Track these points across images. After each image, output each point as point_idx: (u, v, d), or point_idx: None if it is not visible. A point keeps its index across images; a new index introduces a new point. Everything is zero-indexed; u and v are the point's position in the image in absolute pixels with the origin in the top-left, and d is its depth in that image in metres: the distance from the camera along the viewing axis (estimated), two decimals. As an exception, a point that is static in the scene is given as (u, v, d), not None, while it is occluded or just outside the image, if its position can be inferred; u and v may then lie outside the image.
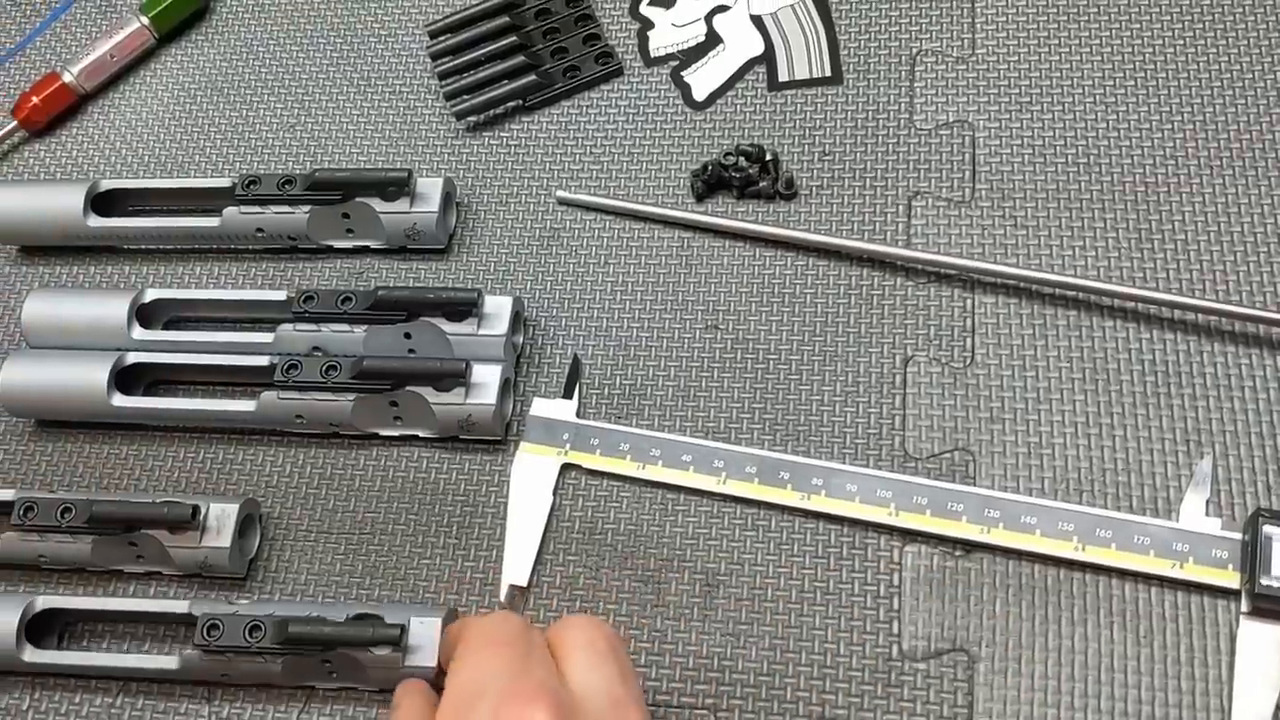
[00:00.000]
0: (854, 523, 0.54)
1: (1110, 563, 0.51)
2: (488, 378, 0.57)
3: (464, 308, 0.58)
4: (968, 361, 0.57)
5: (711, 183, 0.64)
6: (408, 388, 0.57)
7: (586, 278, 0.63)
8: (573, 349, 0.61)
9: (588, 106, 0.68)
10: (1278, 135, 0.61)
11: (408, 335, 0.59)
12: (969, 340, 0.58)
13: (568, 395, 0.59)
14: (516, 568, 0.54)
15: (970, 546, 0.53)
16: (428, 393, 0.57)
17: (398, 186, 0.62)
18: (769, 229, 0.62)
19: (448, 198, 0.64)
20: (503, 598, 0.54)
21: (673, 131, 0.67)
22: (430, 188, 0.63)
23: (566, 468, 0.57)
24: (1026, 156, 0.63)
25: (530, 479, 0.56)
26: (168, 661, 0.53)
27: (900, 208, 0.62)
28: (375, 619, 0.50)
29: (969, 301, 0.59)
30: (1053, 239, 0.60)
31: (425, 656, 0.50)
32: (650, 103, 0.68)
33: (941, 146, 0.64)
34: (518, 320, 0.60)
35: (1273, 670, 0.48)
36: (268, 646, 0.51)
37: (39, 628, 0.55)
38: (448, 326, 0.58)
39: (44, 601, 0.54)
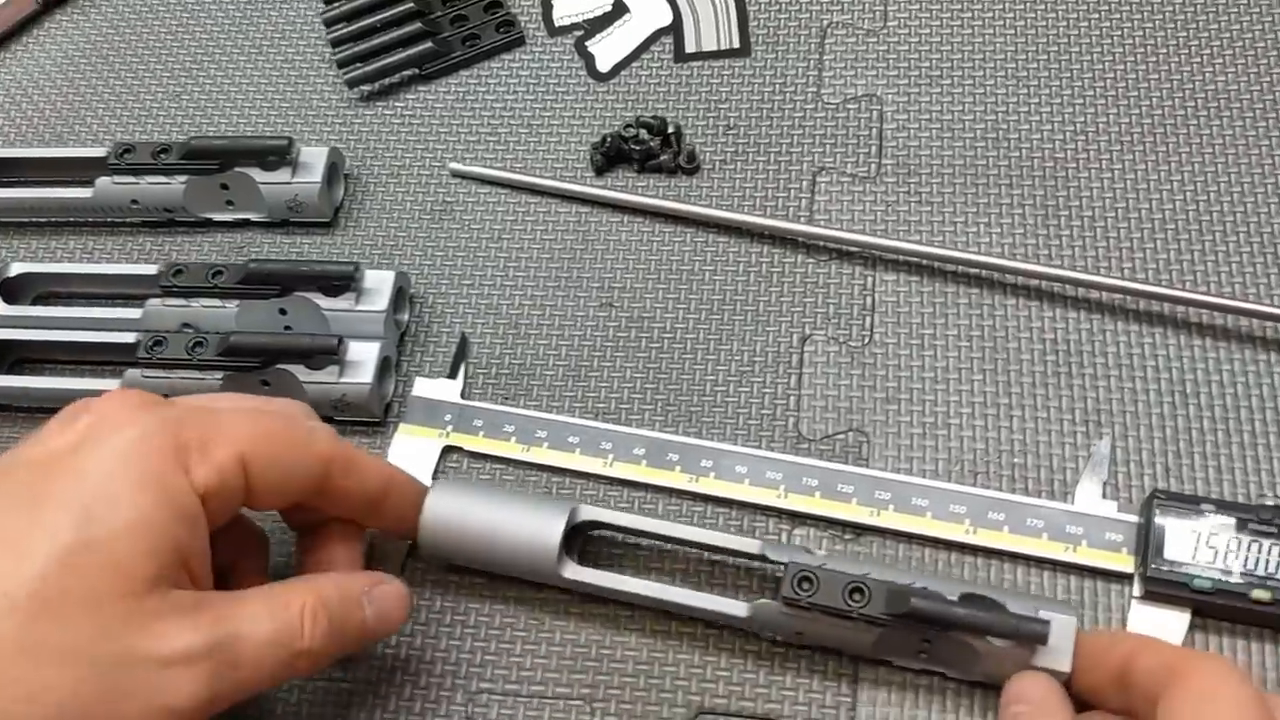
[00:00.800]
0: (743, 506, 0.52)
1: (1002, 546, 0.49)
2: (365, 355, 0.54)
3: (341, 282, 0.55)
4: (866, 341, 0.55)
5: (611, 155, 0.61)
6: (278, 365, 0.54)
7: (479, 253, 0.60)
8: (461, 327, 0.58)
9: (487, 77, 0.66)
10: (1186, 114, 0.59)
11: (283, 311, 0.56)
12: (868, 319, 0.56)
13: (452, 375, 0.56)
14: (387, 557, 0.52)
15: (860, 530, 0.51)
16: (300, 371, 0.54)
17: (278, 155, 0.59)
18: (669, 204, 0.60)
19: (334, 169, 0.61)
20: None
21: (574, 103, 0.64)
22: (314, 157, 0.60)
23: (448, 450, 0.55)
24: (934, 132, 0.61)
25: (408, 462, 0.54)
26: (737, 608, 0.48)
27: (805, 183, 0.60)
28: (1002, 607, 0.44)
29: (870, 279, 0.57)
30: (957, 216, 0.58)
31: (1060, 660, 0.44)
32: (552, 73, 0.65)
33: (849, 121, 0.62)
34: (402, 297, 0.58)
35: None
36: (872, 615, 0.45)
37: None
38: (324, 302, 0.56)
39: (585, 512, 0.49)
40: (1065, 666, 0.44)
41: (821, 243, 0.58)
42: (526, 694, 0.49)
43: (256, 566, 0.49)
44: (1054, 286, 0.55)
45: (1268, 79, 0.60)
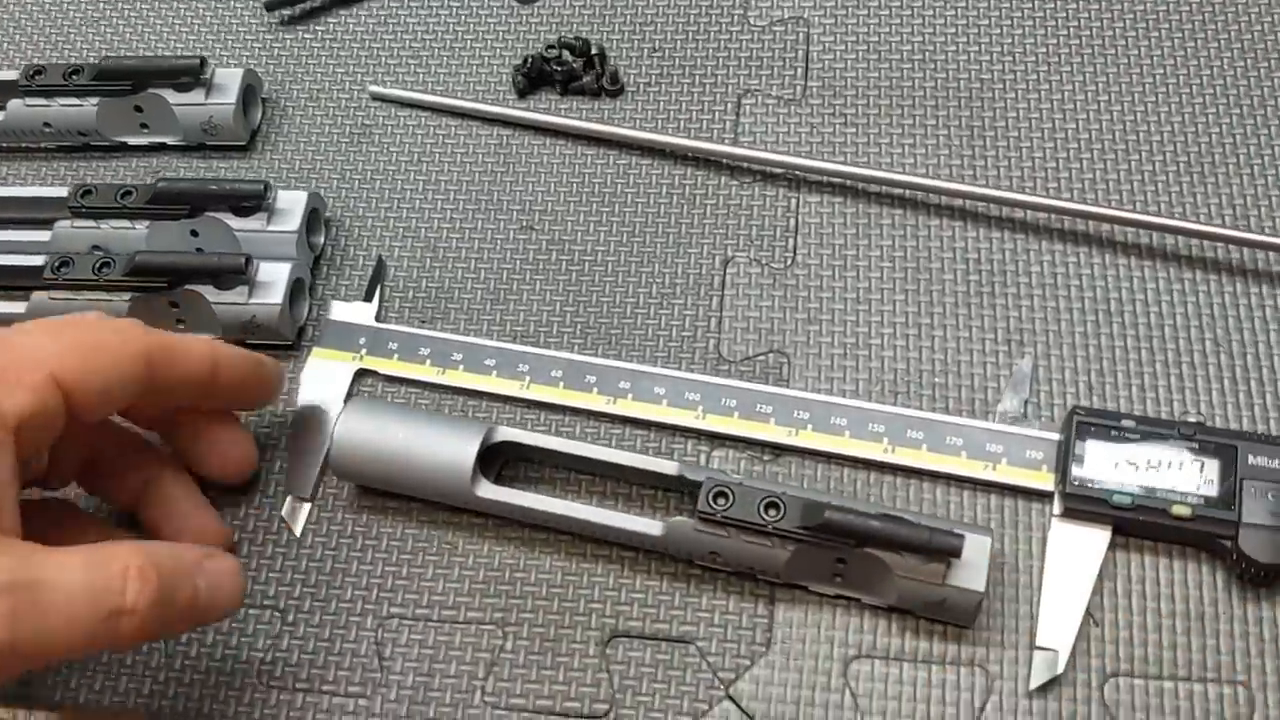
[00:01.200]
0: (661, 427, 0.51)
1: (922, 464, 0.48)
2: (275, 276, 0.53)
3: (251, 201, 0.54)
4: (789, 263, 0.54)
5: (533, 77, 0.60)
6: (187, 286, 0.52)
7: (397, 176, 0.59)
8: (379, 251, 0.57)
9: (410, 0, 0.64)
10: (1111, 34, 0.59)
11: (194, 234, 0.55)
12: (791, 240, 0.55)
13: (368, 298, 0.55)
14: (299, 480, 0.51)
15: (779, 450, 0.50)
16: (209, 292, 0.52)
17: (191, 75, 0.58)
18: (591, 125, 0.58)
19: (250, 91, 0.60)
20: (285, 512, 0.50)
21: (498, 26, 0.63)
22: (228, 79, 0.59)
23: (362, 375, 0.53)
24: (860, 54, 0.60)
25: (321, 386, 0.53)
26: (651, 526, 0.47)
27: (729, 105, 0.59)
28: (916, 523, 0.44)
29: (793, 201, 0.56)
30: (882, 137, 0.57)
31: (973, 579, 0.44)
32: (475, -4, 0.64)
33: (775, 43, 0.60)
34: (316, 219, 0.56)
35: (1081, 573, 0.46)
36: (786, 529, 0.45)
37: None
38: (236, 223, 0.54)
39: (501, 432, 0.49)
40: (980, 585, 0.44)
41: (745, 164, 0.57)
42: (437, 618, 0.49)
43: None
44: (978, 206, 0.55)
45: (1190, 2, 0.59)
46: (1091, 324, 0.52)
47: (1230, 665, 0.45)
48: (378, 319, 0.54)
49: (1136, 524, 0.46)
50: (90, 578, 0.39)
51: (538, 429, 0.52)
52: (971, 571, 0.44)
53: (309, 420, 0.52)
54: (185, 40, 0.64)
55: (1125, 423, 0.47)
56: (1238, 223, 0.53)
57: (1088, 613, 0.46)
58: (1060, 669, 0.44)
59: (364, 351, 0.53)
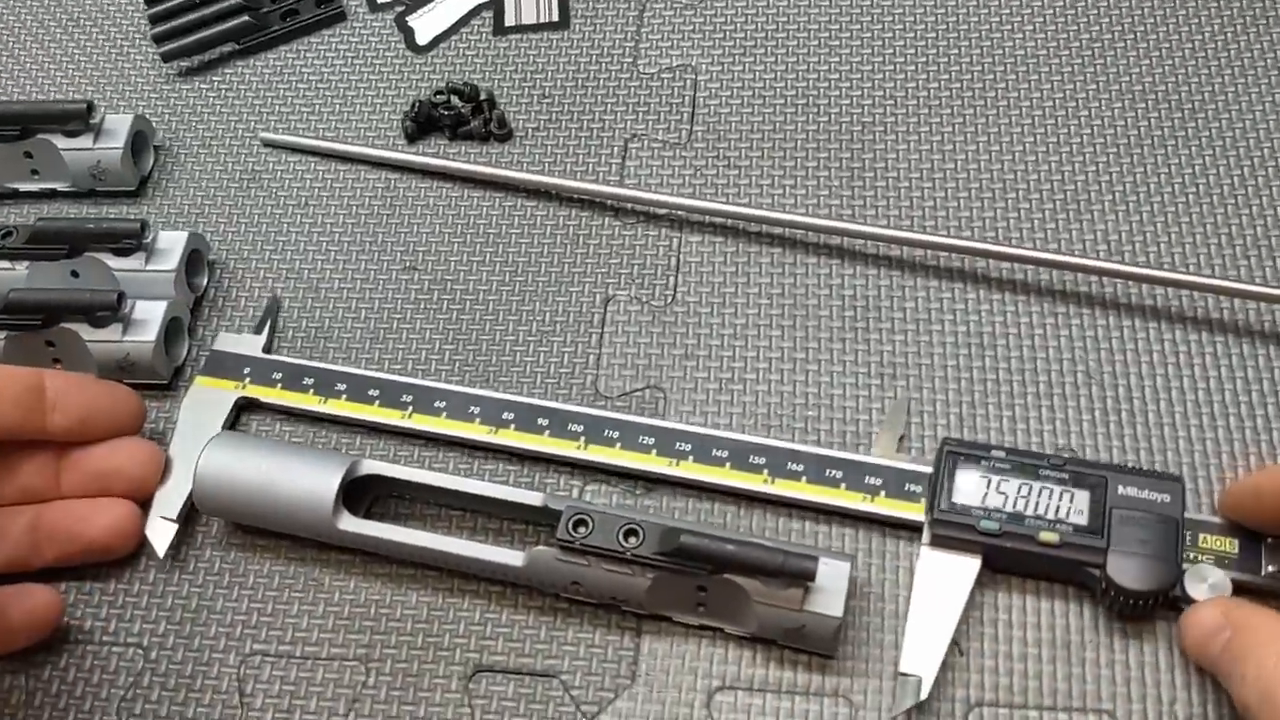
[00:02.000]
0: (539, 461, 0.51)
1: (801, 496, 0.48)
2: (150, 314, 0.53)
3: (130, 239, 0.54)
4: (669, 300, 0.55)
5: (421, 122, 0.61)
6: (62, 324, 0.52)
7: (284, 219, 0.59)
8: (263, 292, 0.57)
9: (305, 50, 0.65)
10: (988, 77, 0.60)
11: (75, 274, 0.55)
12: (671, 279, 0.55)
13: (258, 331, 0.55)
14: (167, 500, 0.50)
15: (652, 483, 0.50)
16: (84, 330, 0.52)
17: (78, 120, 0.58)
18: (473, 167, 0.59)
19: (140, 137, 0.60)
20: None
21: (391, 75, 0.63)
22: (118, 124, 0.59)
23: (246, 407, 0.53)
24: (746, 99, 0.60)
25: (200, 413, 0.52)
26: (513, 557, 0.46)
27: (616, 149, 0.60)
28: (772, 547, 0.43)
29: (676, 241, 0.56)
30: (764, 179, 0.58)
31: (831, 604, 0.43)
32: (370, 47, 0.65)
33: (663, 89, 0.61)
34: (198, 260, 0.56)
35: (949, 601, 0.45)
36: (644, 556, 0.44)
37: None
38: (115, 263, 0.54)
39: (366, 465, 0.49)
40: (838, 611, 0.43)
41: (629, 205, 0.57)
42: (300, 655, 0.48)
43: None
44: (855, 244, 0.55)
45: (1057, 41, 0.60)
46: (964, 358, 0.52)
47: (1095, 694, 0.44)
48: (266, 351, 0.54)
49: (1005, 552, 0.46)
50: None
51: (421, 463, 0.51)
52: (830, 597, 0.43)
53: (182, 445, 0.51)
54: (81, 88, 0.65)
55: (996, 453, 0.47)
56: (1110, 257, 0.54)
57: (954, 642, 0.45)
58: (924, 695, 0.43)
59: (248, 380, 0.53)
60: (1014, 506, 0.46)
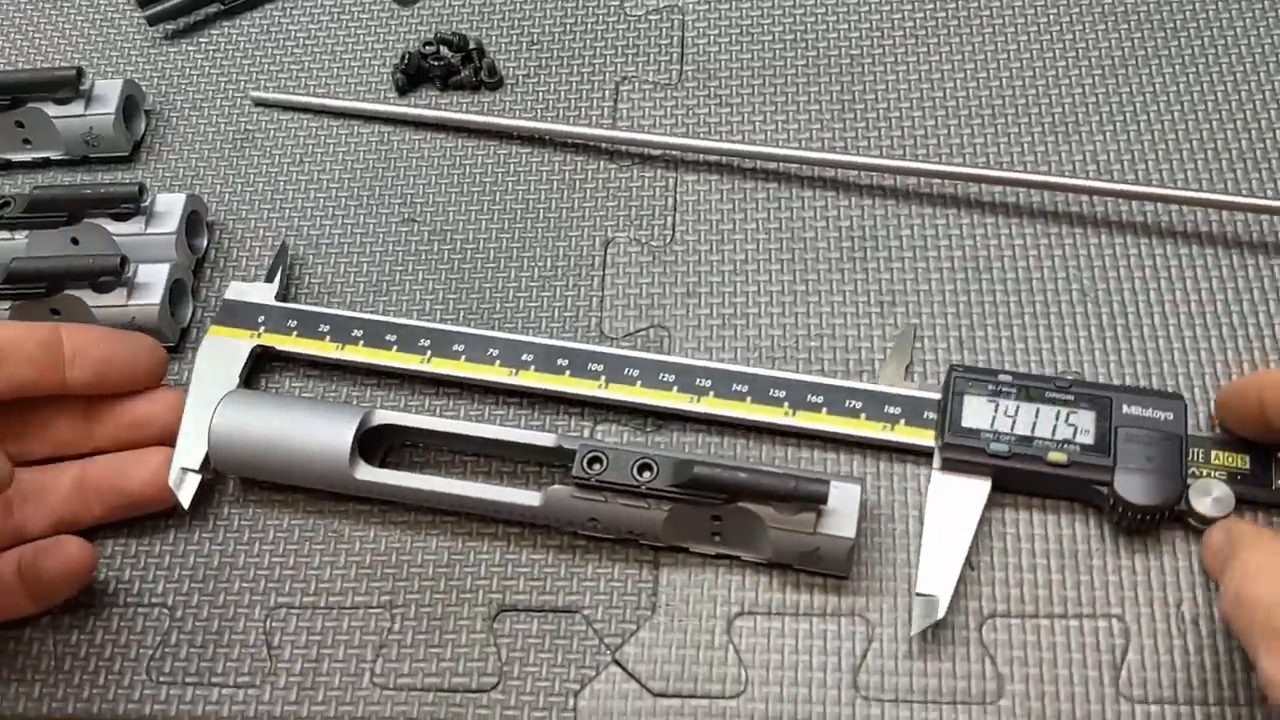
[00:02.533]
0: (547, 401, 0.51)
1: (822, 428, 0.49)
2: (154, 278, 0.53)
3: (128, 203, 0.54)
4: (668, 240, 0.55)
5: (412, 74, 0.61)
6: (66, 291, 0.52)
7: (280, 178, 0.59)
8: (262, 251, 0.57)
9: (291, 8, 0.65)
10: (975, 3, 0.60)
11: (75, 241, 0.55)
12: (670, 219, 0.56)
13: (270, 279, 0.55)
14: (188, 451, 0.50)
15: (662, 420, 0.50)
16: (88, 296, 0.53)
17: (68, 86, 0.58)
18: (468, 117, 0.59)
19: (131, 102, 0.60)
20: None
21: (378, 28, 0.63)
22: (108, 90, 0.59)
23: (261, 357, 0.53)
24: (734, 36, 0.61)
25: (217, 362, 0.52)
26: (530, 498, 0.47)
27: (607, 93, 0.60)
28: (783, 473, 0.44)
29: (671, 181, 0.57)
30: (756, 115, 0.58)
31: (843, 525, 0.44)
32: (356, 0, 0.64)
33: (651, 31, 0.61)
34: (197, 221, 0.57)
35: (961, 522, 0.46)
36: (659, 489, 0.45)
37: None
38: (115, 228, 0.54)
39: (379, 416, 0.49)
40: (850, 532, 0.44)
41: (623, 148, 0.58)
42: (325, 605, 0.49)
43: None
44: (850, 175, 0.56)
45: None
46: (962, 282, 0.53)
47: (1104, 600, 0.45)
48: (279, 299, 0.54)
49: (1014, 473, 0.47)
50: None
51: (433, 411, 0.52)
52: (842, 519, 0.44)
53: (199, 395, 0.51)
54: (67, 55, 0.64)
55: (1003, 378, 0.48)
56: (1100, 175, 0.54)
57: (965, 558, 0.46)
58: (941, 614, 0.44)
59: (262, 329, 0.53)
60: (1022, 429, 0.47)
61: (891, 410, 0.49)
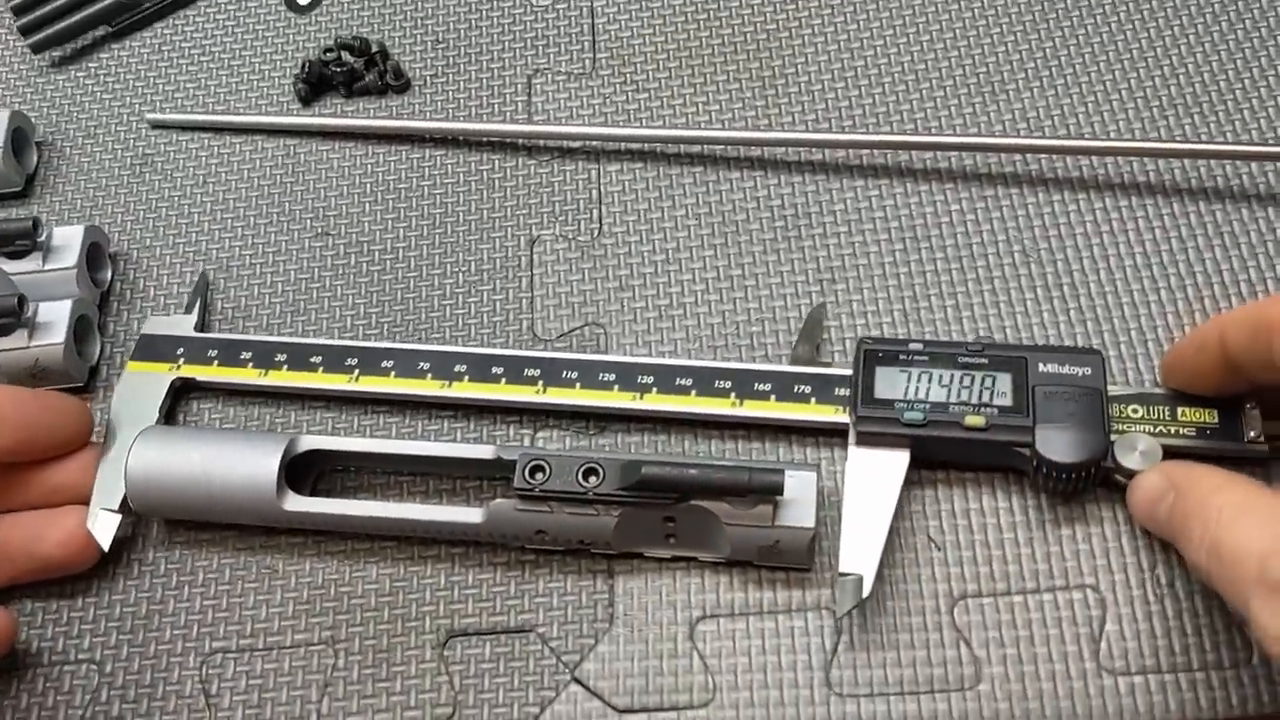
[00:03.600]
0: (483, 412, 0.49)
1: (770, 415, 0.46)
2: (56, 316, 0.50)
3: (22, 240, 0.51)
4: (595, 233, 0.53)
5: (314, 83, 0.58)
6: (-40, 337, 0.49)
7: (183, 201, 0.57)
8: (170, 279, 0.54)
9: (182, 24, 0.62)
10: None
11: (-32, 283, 0.51)
12: (595, 211, 0.54)
13: (189, 310, 0.52)
14: (106, 492, 0.47)
15: (604, 421, 0.48)
16: (-13, 340, 0.49)
17: (-51, 123, 0.55)
18: (373, 122, 0.57)
19: (19, 135, 0.57)
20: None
21: (275, 38, 0.61)
22: (-8, 123, 0.56)
23: (182, 391, 0.50)
24: (645, 19, 0.59)
25: (134, 399, 0.49)
26: (471, 514, 0.44)
27: (520, 87, 0.58)
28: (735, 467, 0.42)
29: (594, 172, 0.55)
30: (675, 98, 0.56)
31: (802, 515, 0.42)
32: (250, 12, 0.62)
33: (559, 20, 0.59)
34: (99, 254, 0.54)
35: (881, 496, 0.44)
36: (607, 494, 0.42)
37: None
38: (9, 265, 0.51)
39: (306, 441, 0.46)
40: (810, 522, 0.42)
41: (541, 142, 0.56)
42: (264, 646, 0.46)
43: None
44: (774, 153, 0.54)
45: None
46: (900, 253, 0.51)
47: (1077, 570, 0.44)
48: (199, 330, 0.51)
49: (932, 441, 0.45)
50: None
51: (362, 432, 0.49)
52: (800, 509, 0.42)
53: (115, 433, 0.48)
54: (-52, 92, 0.61)
55: (913, 346, 0.46)
56: (1018, 133, 0.53)
57: (929, 538, 0.45)
58: (866, 593, 0.42)
59: (181, 360, 0.50)
60: (936, 396, 0.45)
61: (841, 392, 0.47)
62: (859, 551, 0.42)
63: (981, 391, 0.45)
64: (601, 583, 0.45)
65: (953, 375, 0.45)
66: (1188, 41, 0.54)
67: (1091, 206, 0.51)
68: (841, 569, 0.42)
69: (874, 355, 0.46)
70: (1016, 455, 0.44)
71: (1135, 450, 0.43)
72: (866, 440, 0.45)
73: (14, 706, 0.46)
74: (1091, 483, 0.44)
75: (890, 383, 0.45)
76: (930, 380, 0.45)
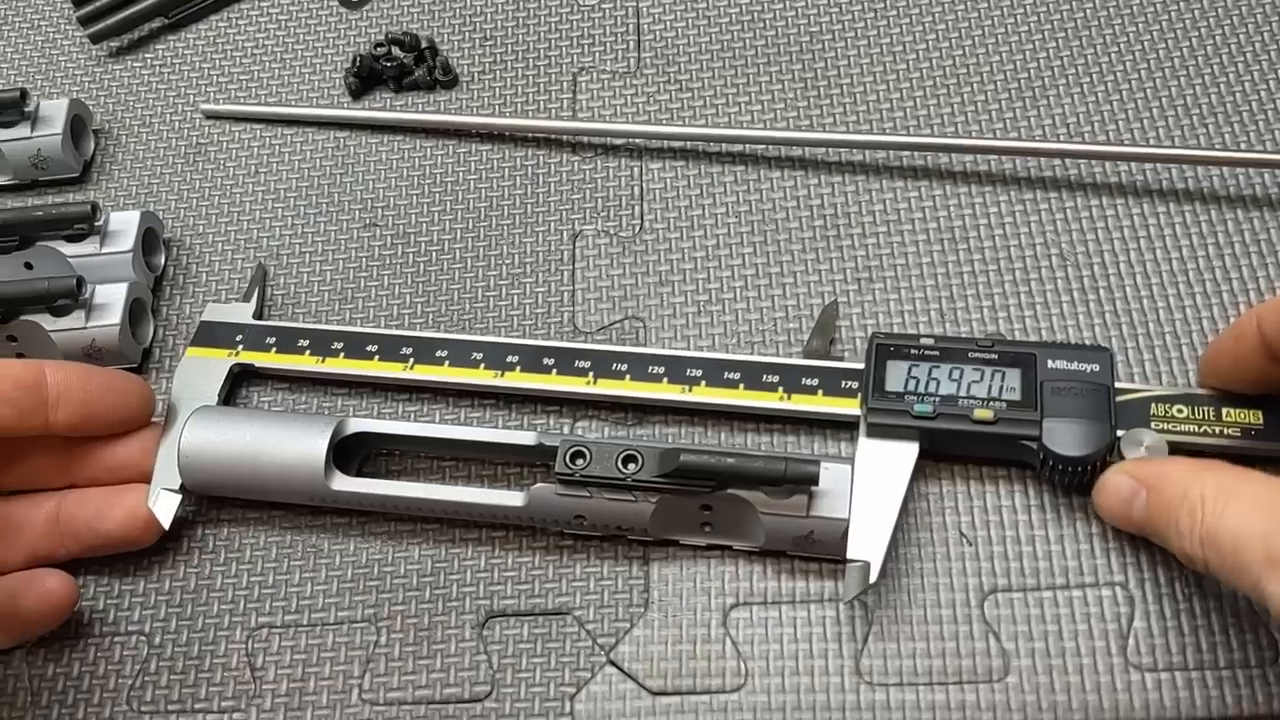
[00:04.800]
0: (525, 402, 0.50)
1: (817, 409, 0.47)
2: (112, 298, 0.52)
3: (81, 223, 0.52)
4: (637, 230, 0.54)
5: (364, 77, 0.59)
6: (22, 317, 0.51)
7: (236, 190, 0.58)
8: (222, 266, 0.56)
9: (237, 18, 0.63)
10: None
11: (29, 266, 0.53)
12: (637, 208, 0.55)
13: (247, 298, 0.53)
14: (166, 472, 0.48)
15: (643, 412, 0.49)
16: (45, 320, 0.51)
17: (13, 109, 0.56)
18: (422, 116, 0.58)
19: (79, 122, 0.59)
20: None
21: (327, 33, 0.62)
22: (54, 110, 0.58)
23: (241, 376, 0.52)
24: (690, 20, 0.60)
25: (195, 383, 0.50)
26: (513, 498, 0.46)
27: (565, 84, 0.59)
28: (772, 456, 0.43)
29: (636, 170, 0.56)
30: (718, 98, 0.57)
31: (836, 506, 0.43)
32: (303, 6, 0.63)
33: (605, 20, 0.60)
34: (154, 239, 0.55)
35: (891, 487, 0.44)
36: (646, 480, 0.43)
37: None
38: (69, 249, 0.53)
39: (354, 424, 0.48)
40: (844, 513, 0.43)
41: (585, 139, 0.57)
42: (308, 623, 0.47)
43: None
44: (815, 153, 0.55)
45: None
46: (938, 254, 0.52)
47: (1106, 569, 0.45)
48: (257, 318, 0.53)
49: (942, 434, 0.45)
50: None
51: (407, 418, 0.50)
52: (834, 500, 0.43)
53: (174, 415, 0.50)
54: (10, 79, 0.63)
55: (924, 341, 0.47)
56: (1028, 138, 0.54)
57: (961, 533, 0.45)
58: (873, 580, 0.42)
59: (240, 347, 0.52)
60: (946, 390, 0.46)
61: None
62: (868, 539, 0.43)
63: (991, 386, 0.45)
64: (638, 568, 0.46)
65: (962, 370, 0.46)
66: (1229, 50, 0.55)
67: (1129, 212, 0.52)
68: (849, 556, 0.43)
69: (885, 349, 0.47)
70: (1024, 449, 0.45)
71: (1141, 445, 0.44)
72: (877, 431, 0.45)
73: (66, 674, 0.47)
74: (1097, 476, 0.44)
75: (901, 376, 0.46)
76: (940, 374, 0.46)
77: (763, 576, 0.46)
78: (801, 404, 0.47)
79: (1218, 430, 0.44)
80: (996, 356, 0.46)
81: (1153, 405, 0.45)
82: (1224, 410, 0.45)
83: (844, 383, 0.48)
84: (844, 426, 0.48)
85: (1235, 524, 0.37)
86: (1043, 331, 0.49)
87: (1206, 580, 0.44)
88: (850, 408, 0.47)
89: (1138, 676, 0.42)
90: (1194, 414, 0.45)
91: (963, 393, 0.45)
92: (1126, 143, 0.53)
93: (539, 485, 0.45)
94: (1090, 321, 0.49)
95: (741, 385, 0.48)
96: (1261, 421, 0.44)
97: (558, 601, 0.46)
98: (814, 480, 0.42)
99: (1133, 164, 0.52)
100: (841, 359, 0.49)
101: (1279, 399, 0.44)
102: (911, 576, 0.45)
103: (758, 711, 0.43)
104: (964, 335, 0.50)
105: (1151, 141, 0.53)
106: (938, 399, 0.45)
